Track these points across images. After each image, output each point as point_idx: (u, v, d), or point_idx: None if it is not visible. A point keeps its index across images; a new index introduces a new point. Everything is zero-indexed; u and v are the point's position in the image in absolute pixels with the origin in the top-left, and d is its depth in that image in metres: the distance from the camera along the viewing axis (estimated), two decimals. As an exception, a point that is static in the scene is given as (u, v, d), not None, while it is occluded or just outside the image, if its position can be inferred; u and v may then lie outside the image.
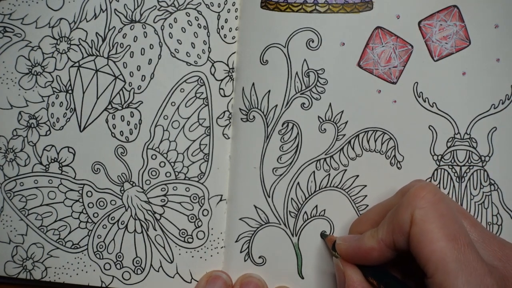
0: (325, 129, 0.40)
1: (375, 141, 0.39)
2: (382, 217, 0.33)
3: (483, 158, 0.39)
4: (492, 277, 0.27)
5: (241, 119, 0.41)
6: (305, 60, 0.40)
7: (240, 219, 0.40)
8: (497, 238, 0.31)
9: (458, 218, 0.29)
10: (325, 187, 0.39)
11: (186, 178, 0.41)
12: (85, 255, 0.42)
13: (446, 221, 0.28)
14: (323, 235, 0.39)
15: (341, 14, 0.39)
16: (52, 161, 0.43)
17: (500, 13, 0.39)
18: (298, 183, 0.40)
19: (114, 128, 0.42)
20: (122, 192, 0.42)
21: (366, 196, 0.39)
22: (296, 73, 0.40)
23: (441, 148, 0.39)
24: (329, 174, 0.39)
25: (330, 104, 0.39)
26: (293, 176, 0.40)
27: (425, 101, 0.39)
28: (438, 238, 0.28)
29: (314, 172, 0.40)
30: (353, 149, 0.39)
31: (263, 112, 0.40)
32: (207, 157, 0.41)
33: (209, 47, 0.42)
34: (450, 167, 0.39)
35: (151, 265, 0.41)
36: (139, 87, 0.42)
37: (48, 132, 0.43)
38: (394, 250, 0.31)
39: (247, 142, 0.40)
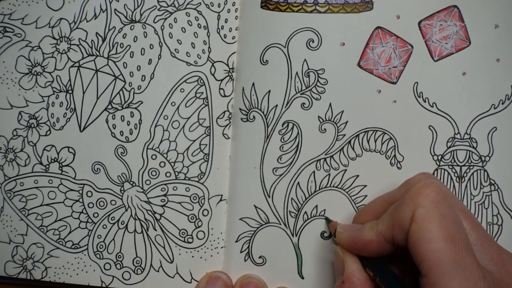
0: (325, 129, 0.40)
1: (375, 141, 0.39)
2: (384, 209, 0.33)
3: (483, 158, 0.39)
4: (486, 282, 0.27)
5: (241, 119, 0.41)
6: (305, 60, 0.40)
7: (240, 219, 0.40)
8: (496, 242, 0.31)
9: (458, 220, 0.29)
10: (325, 187, 0.39)
11: (186, 178, 0.41)
12: (85, 255, 0.42)
13: (447, 222, 0.28)
14: (327, 219, 0.39)
15: (341, 14, 0.39)
16: (52, 161, 0.43)
17: (500, 13, 0.39)
18: (298, 183, 0.40)
19: (114, 128, 0.42)
20: (122, 192, 0.42)
21: (366, 196, 0.39)
22: (296, 73, 0.40)
23: (441, 148, 0.39)
24: (329, 174, 0.39)
25: (330, 104, 0.39)
26: (293, 176, 0.40)
27: (425, 101, 0.39)
28: (436, 238, 0.28)
29: (314, 172, 0.40)
30: (353, 149, 0.39)
31: (263, 112, 0.40)
32: (207, 157, 0.41)
33: (209, 47, 0.42)
34: (450, 167, 0.39)
35: (151, 265, 0.41)
36: (139, 87, 0.42)
37: (48, 132, 0.43)
38: (393, 244, 0.31)
39: (247, 142, 0.40)
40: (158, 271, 0.41)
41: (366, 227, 0.33)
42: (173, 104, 0.42)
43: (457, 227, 0.28)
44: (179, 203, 0.41)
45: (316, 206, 0.39)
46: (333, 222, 0.38)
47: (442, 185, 0.32)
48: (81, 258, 0.42)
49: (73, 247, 0.42)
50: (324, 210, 0.39)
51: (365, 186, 0.39)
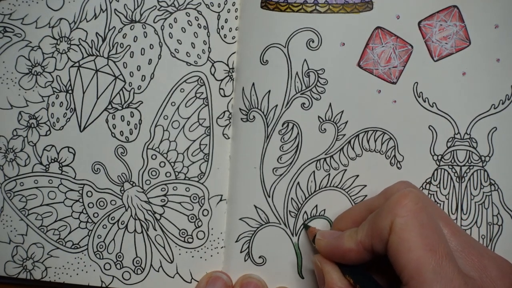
0: (325, 129, 0.40)
1: (375, 141, 0.39)
2: (363, 216, 0.33)
3: (483, 158, 0.39)
4: None
5: (241, 119, 0.41)
6: (305, 60, 0.40)
7: (240, 219, 0.40)
8: (478, 247, 0.31)
9: (438, 228, 0.29)
10: (325, 187, 0.39)
11: (186, 178, 0.41)
12: (85, 255, 0.42)
13: (426, 231, 0.28)
14: (305, 226, 0.39)
15: (341, 14, 0.39)
16: (52, 161, 0.43)
17: (500, 13, 0.39)
18: (298, 183, 0.40)
19: (114, 128, 0.42)
20: (122, 192, 0.42)
21: (366, 196, 0.39)
22: (296, 73, 0.40)
23: (441, 148, 0.39)
24: (329, 174, 0.39)
25: (330, 104, 0.39)
26: (293, 176, 0.40)
27: (425, 101, 0.39)
28: (416, 247, 0.28)
29: (314, 172, 0.40)
30: (353, 149, 0.39)
31: (263, 112, 0.40)
32: (207, 157, 0.41)
33: (209, 47, 0.42)
34: (450, 167, 0.39)
35: (151, 265, 0.41)
36: (139, 87, 0.42)
37: (48, 132, 0.43)
38: (372, 253, 0.31)
39: (247, 142, 0.40)
40: (158, 271, 0.41)
41: (345, 235, 0.33)
42: (173, 104, 0.42)
43: (436, 235, 0.28)
44: (179, 203, 0.41)
45: (316, 206, 0.39)
46: (311, 228, 0.38)
47: (421, 193, 0.31)
48: (81, 258, 0.42)
49: (73, 247, 0.42)
50: (324, 210, 0.39)
51: (365, 186, 0.39)
